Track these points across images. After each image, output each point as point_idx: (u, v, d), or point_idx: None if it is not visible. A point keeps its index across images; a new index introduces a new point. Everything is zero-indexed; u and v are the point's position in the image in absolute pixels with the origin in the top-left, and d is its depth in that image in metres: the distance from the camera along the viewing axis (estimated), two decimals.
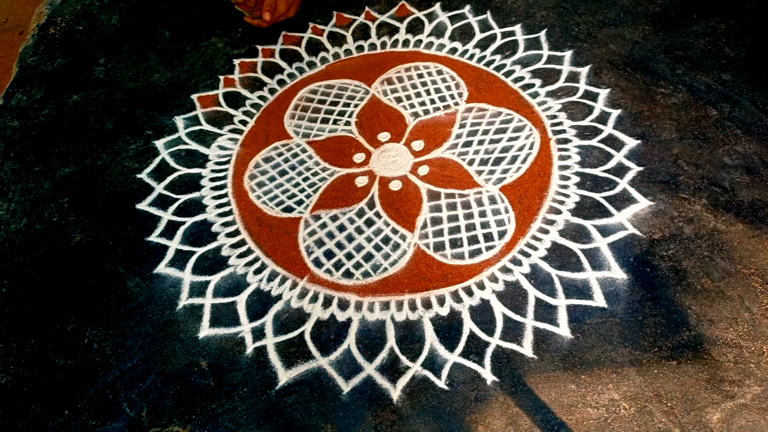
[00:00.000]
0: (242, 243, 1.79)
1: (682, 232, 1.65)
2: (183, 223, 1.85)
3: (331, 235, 1.77)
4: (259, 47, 2.38)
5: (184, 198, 1.92)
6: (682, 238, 1.63)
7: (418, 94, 2.12)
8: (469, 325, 1.53)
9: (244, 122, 2.14)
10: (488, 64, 2.19)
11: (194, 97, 2.23)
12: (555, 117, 1.98)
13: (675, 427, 1.33)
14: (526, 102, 2.04)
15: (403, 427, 1.38)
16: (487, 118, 2.01)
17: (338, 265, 1.71)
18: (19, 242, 1.84)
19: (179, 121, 2.13)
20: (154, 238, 1.82)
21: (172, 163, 2.02)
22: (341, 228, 1.79)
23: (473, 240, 1.71)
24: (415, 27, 2.37)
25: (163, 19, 2.56)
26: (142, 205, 1.91)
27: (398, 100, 2.12)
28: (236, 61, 2.34)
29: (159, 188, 1.95)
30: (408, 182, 1.87)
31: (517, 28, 2.29)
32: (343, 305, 1.62)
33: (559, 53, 2.17)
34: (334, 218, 1.82)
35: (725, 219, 1.66)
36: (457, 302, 1.58)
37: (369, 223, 1.79)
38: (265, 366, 1.52)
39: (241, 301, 1.66)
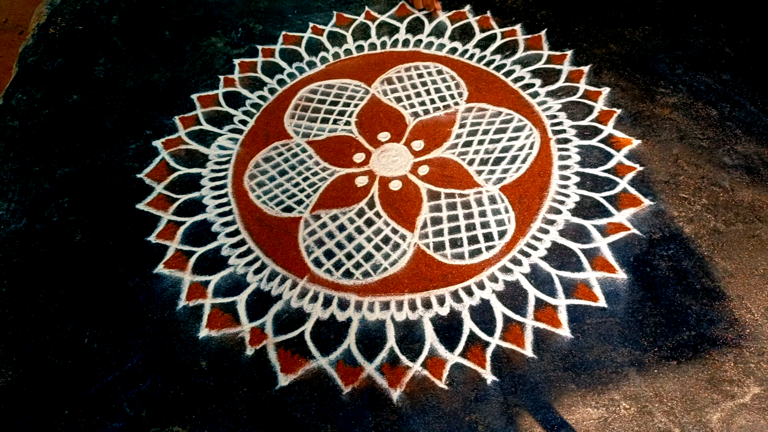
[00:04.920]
0: (242, 243, 1.79)
1: (682, 232, 1.65)
2: (183, 223, 1.86)
3: (331, 235, 1.77)
4: (259, 47, 2.38)
5: (184, 198, 1.92)
6: (682, 238, 1.64)
7: (418, 94, 2.12)
8: (469, 325, 1.53)
9: (244, 122, 2.14)
10: (488, 64, 2.19)
11: (194, 96, 2.23)
12: (555, 117, 1.98)
13: (675, 427, 1.33)
14: (526, 102, 2.04)
15: (403, 427, 1.38)
16: (487, 118, 2.01)
17: (338, 265, 1.71)
18: (19, 242, 1.84)
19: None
20: (154, 238, 1.82)
21: (172, 163, 2.02)
22: (341, 228, 1.79)
23: (473, 240, 1.71)
24: (415, 27, 2.37)
25: (163, 19, 2.56)
26: (142, 205, 1.91)
27: (398, 99, 2.12)
28: (236, 61, 2.34)
29: (159, 188, 1.96)
30: (408, 182, 1.87)
31: (517, 28, 2.30)
32: (343, 305, 1.62)
33: (559, 53, 2.18)
34: (334, 218, 1.82)
35: (725, 219, 1.66)
36: (457, 302, 1.58)
37: (369, 222, 1.79)
38: (265, 366, 1.52)
39: (241, 300, 1.66)
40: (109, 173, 2.01)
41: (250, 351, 1.54)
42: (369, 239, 1.75)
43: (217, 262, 1.74)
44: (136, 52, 2.42)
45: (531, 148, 1.90)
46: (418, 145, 1.96)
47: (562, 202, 1.75)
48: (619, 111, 1.95)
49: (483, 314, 1.54)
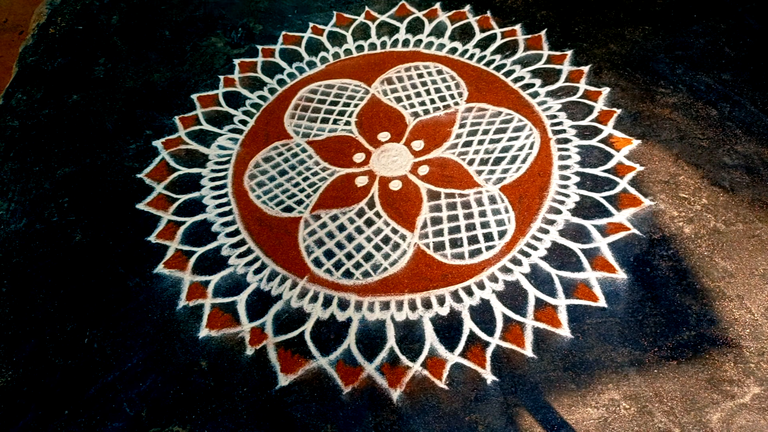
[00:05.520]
0: (242, 243, 1.79)
1: (682, 232, 1.65)
2: (183, 222, 1.86)
3: (331, 235, 1.77)
4: (259, 47, 2.38)
5: (184, 198, 1.92)
6: (682, 238, 1.64)
7: (418, 94, 2.12)
8: (469, 325, 1.53)
9: (244, 122, 2.14)
10: (488, 63, 2.19)
11: (194, 96, 2.23)
12: (555, 117, 1.98)
13: (675, 427, 1.33)
14: (526, 102, 2.04)
15: (403, 427, 1.38)
16: (487, 118, 2.01)
17: (338, 265, 1.71)
18: (19, 242, 1.84)
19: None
20: (154, 238, 1.82)
21: (172, 163, 2.02)
22: (341, 228, 1.79)
23: (473, 240, 1.71)
24: (415, 27, 2.37)
25: (163, 19, 2.56)
26: (142, 205, 1.91)
27: (398, 99, 2.12)
28: (236, 61, 2.34)
29: (159, 188, 1.95)
30: (408, 182, 1.87)
31: (517, 28, 2.30)
32: (343, 305, 1.62)
33: (559, 53, 2.18)
34: (334, 218, 1.82)
35: (725, 219, 1.66)
36: (457, 302, 1.58)
37: (369, 222, 1.79)
38: (265, 366, 1.52)
39: (241, 300, 1.66)
40: (109, 173, 2.01)
41: (250, 351, 1.54)
42: (369, 239, 1.74)
43: (217, 262, 1.74)
44: (136, 52, 2.42)
45: (531, 148, 1.90)
46: (418, 145, 1.96)
47: (562, 202, 1.75)
48: (619, 111, 1.95)
49: (483, 314, 1.54)
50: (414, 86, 2.15)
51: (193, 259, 1.75)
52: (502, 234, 1.70)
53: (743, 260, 1.56)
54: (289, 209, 1.85)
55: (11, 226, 1.89)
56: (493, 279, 1.61)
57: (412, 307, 1.58)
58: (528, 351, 1.47)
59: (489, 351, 1.48)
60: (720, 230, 1.63)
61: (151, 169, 2.01)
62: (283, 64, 2.31)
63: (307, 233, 1.78)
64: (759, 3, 2.21)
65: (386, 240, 1.74)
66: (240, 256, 1.75)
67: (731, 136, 1.84)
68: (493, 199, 1.79)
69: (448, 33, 2.32)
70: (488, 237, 1.70)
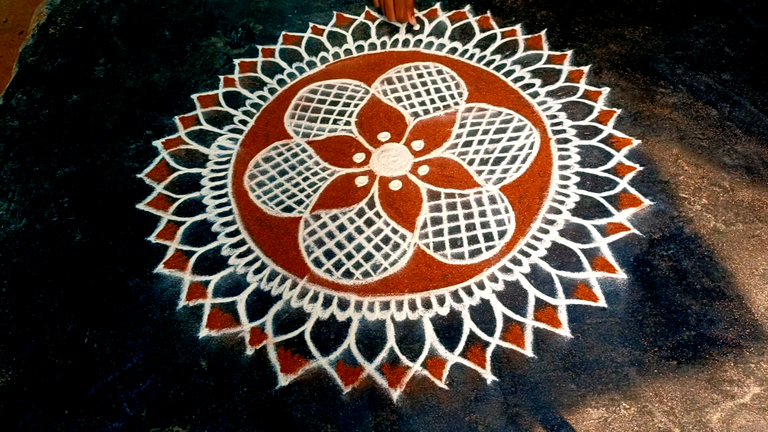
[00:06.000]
0: (242, 243, 1.79)
1: (682, 232, 1.65)
2: (183, 222, 1.86)
3: (331, 235, 1.77)
4: (259, 47, 2.38)
5: (184, 198, 1.92)
6: (682, 238, 1.63)
7: (418, 94, 2.12)
8: (469, 325, 1.53)
9: (244, 122, 2.14)
10: (488, 63, 2.19)
11: (194, 96, 2.23)
12: (555, 117, 1.98)
13: (675, 427, 1.33)
14: (526, 102, 2.04)
15: (403, 427, 1.38)
16: (487, 118, 2.01)
17: (338, 265, 1.70)
18: (19, 242, 1.84)
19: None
20: (154, 238, 1.82)
21: (172, 163, 2.02)
22: (341, 228, 1.79)
23: (473, 240, 1.71)
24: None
25: (163, 19, 2.56)
26: (142, 205, 1.91)
27: (398, 99, 2.12)
28: (236, 61, 2.34)
29: (159, 188, 1.95)
30: (408, 182, 1.87)
31: (517, 28, 2.30)
32: (343, 305, 1.62)
33: (559, 53, 2.18)
34: (334, 218, 1.82)
35: (725, 219, 1.66)
36: (457, 302, 1.58)
37: (369, 222, 1.79)
38: (265, 366, 1.52)
39: (241, 300, 1.66)
40: (109, 173, 2.01)
41: (250, 351, 1.54)
42: (369, 239, 1.74)
43: (217, 262, 1.74)
44: (136, 52, 2.42)
45: (531, 148, 1.90)
46: (418, 145, 1.96)
47: (562, 202, 1.75)
48: (619, 111, 1.95)
49: (483, 314, 1.54)
50: (414, 86, 2.15)
51: (193, 259, 1.75)
52: (502, 234, 1.70)
53: (743, 260, 1.56)
54: (289, 209, 1.85)
55: (11, 226, 1.89)
56: (493, 279, 1.61)
57: (412, 307, 1.58)
58: (528, 351, 1.47)
59: (489, 351, 1.48)
60: (720, 230, 1.63)
61: (151, 169, 2.01)
62: (283, 64, 2.31)
63: (307, 233, 1.78)
64: (759, 3, 2.21)
65: (386, 240, 1.74)
66: (240, 256, 1.75)
67: (731, 136, 1.84)
68: (493, 199, 1.79)
69: (448, 33, 2.32)
70: (488, 237, 1.70)
